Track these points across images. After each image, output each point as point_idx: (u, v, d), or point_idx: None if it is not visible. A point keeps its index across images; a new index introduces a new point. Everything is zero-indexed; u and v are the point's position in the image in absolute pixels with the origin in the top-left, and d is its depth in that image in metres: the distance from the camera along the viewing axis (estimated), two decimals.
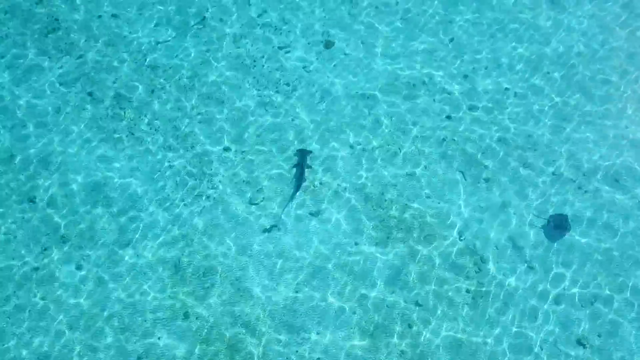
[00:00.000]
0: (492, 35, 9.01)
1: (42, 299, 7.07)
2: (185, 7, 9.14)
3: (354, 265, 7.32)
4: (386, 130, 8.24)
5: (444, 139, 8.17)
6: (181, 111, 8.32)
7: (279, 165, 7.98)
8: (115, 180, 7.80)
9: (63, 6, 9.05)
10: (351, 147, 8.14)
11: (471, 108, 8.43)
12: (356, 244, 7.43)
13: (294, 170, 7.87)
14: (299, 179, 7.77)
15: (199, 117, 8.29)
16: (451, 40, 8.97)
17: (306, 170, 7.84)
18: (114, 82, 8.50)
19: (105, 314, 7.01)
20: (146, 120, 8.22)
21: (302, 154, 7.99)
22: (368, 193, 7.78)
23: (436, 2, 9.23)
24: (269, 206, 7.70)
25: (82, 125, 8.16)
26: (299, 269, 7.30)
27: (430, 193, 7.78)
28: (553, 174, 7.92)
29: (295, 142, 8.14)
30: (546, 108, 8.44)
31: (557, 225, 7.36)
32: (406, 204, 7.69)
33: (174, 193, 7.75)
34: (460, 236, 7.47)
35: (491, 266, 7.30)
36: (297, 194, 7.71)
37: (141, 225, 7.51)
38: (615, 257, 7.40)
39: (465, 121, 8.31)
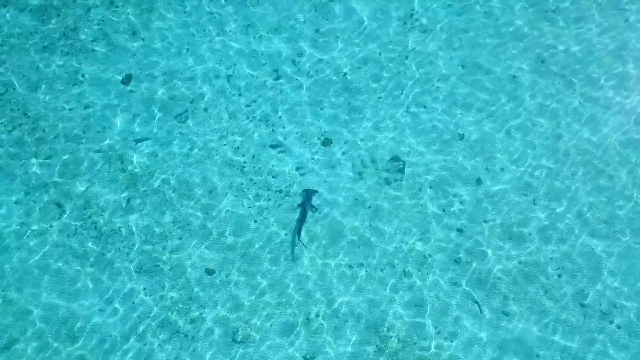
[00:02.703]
0: (507, 132, 8.08)
1: None
2: (167, 98, 8.21)
3: None
4: (391, 246, 7.29)
5: (456, 260, 7.21)
6: (160, 226, 7.37)
7: (269, 293, 7.03)
8: (82, 312, 6.84)
9: (30, 97, 8.12)
10: (350, 266, 7.19)
11: (486, 220, 7.48)
12: None
13: (298, 210, 7.38)
14: (302, 221, 7.22)
15: (179, 232, 7.35)
16: (461, 137, 8.03)
17: (310, 211, 7.40)
18: (85, 190, 7.56)
19: None
20: (120, 238, 7.27)
21: (308, 194, 7.44)
22: (369, 326, 6.82)
23: (444, 92, 8.32)
24: (257, 344, 6.74)
25: (48, 242, 7.21)
26: None
27: (441, 328, 6.82)
28: (581, 305, 6.96)
29: (290, 264, 7.19)
30: (568, 219, 7.49)
31: None
32: (414, 343, 6.73)
33: (147, 327, 6.79)
34: None
35: None
36: (299, 237, 7.19)
37: None
38: None
39: (480, 235, 7.36)
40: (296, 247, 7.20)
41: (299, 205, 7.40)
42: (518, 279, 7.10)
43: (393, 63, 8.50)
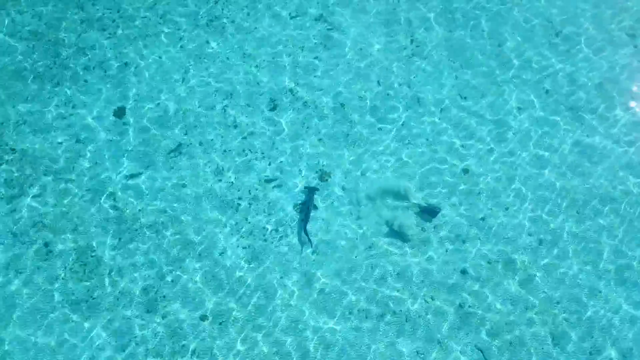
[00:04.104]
0: (513, 164, 7.82)
1: None
2: (160, 131, 7.94)
3: None
4: (393, 290, 7.02)
5: (460, 305, 6.94)
6: (152, 269, 7.10)
7: (265, 334, 6.77)
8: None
9: (18, 132, 7.85)
10: (350, 312, 6.93)
11: (490, 262, 7.21)
12: None
13: (300, 210, 7.37)
14: (305, 219, 7.19)
15: (172, 275, 7.08)
16: (465, 171, 7.76)
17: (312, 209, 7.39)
18: (75, 230, 7.30)
19: None
20: (111, 280, 7.01)
21: (310, 191, 7.39)
22: None
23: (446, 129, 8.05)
24: None
25: (36, 288, 6.95)
26: None
27: None
28: (590, 353, 6.69)
29: (284, 307, 6.93)
30: (573, 271, 7.23)
31: None
32: None
33: None
34: None
35: None
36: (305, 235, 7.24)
37: None
38: None
39: (484, 277, 7.10)
40: (304, 245, 7.20)
41: (301, 204, 7.36)
42: (524, 325, 6.84)
43: (394, 91, 8.24)
